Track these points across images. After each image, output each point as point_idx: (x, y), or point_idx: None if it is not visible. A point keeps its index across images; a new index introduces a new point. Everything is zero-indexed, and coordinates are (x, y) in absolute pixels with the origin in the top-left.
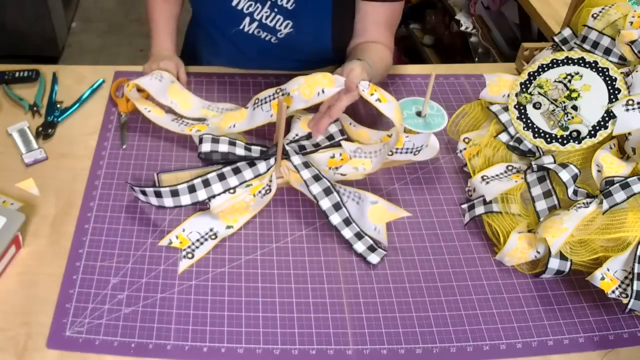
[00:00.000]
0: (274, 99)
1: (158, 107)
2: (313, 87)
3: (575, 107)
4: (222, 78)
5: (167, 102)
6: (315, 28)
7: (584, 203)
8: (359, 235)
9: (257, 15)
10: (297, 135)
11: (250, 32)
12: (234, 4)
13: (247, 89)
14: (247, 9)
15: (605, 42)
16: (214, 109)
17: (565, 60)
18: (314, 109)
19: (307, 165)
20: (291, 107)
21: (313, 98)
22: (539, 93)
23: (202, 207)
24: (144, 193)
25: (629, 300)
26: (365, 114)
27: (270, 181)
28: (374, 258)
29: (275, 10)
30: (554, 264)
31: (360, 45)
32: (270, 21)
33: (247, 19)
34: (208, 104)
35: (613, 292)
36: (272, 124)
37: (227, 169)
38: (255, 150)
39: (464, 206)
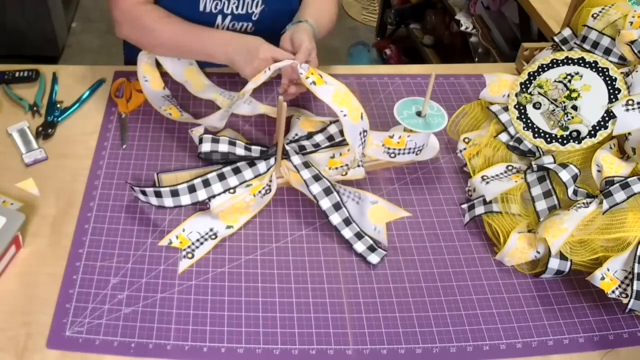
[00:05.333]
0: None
1: (158, 79)
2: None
3: (575, 107)
4: (222, 78)
5: (181, 80)
6: None
7: (584, 203)
8: (359, 235)
9: (227, 10)
10: (296, 135)
11: (226, 29)
12: (201, 9)
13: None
14: (215, 8)
15: (605, 42)
16: (226, 95)
17: (565, 60)
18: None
19: (307, 165)
20: (245, 88)
21: (260, 77)
22: (539, 93)
23: (202, 207)
24: (144, 193)
25: (629, 300)
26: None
27: (270, 181)
28: (374, 258)
29: None
30: (554, 264)
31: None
32: (242, 9)
33: (219, 18)
34: (221, 90)
35: (613, 292)
36: (272, 123)
37: (227, 169)
38: (255, 150)
39: (464, 206)
